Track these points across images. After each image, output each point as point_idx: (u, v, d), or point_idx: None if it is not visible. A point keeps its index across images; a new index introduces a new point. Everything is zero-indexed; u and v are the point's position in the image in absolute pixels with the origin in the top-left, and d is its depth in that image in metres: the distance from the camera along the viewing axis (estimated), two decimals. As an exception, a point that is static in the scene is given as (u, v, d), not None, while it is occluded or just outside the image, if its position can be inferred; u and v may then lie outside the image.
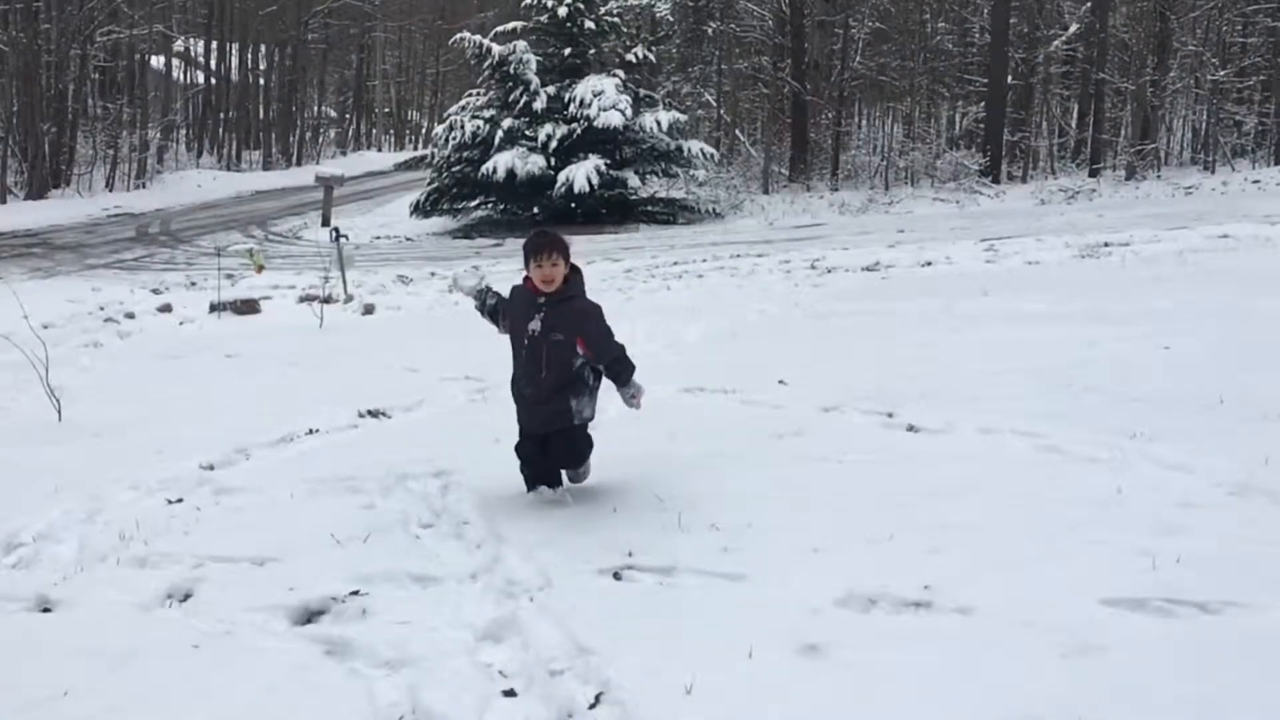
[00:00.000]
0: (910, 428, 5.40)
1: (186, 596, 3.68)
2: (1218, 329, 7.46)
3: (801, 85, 26.96)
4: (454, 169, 24.01)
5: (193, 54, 47.54)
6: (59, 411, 6.53)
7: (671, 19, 31.90)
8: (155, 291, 14.33)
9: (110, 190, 32.81)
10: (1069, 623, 3.14)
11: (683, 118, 24.56)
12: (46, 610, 3.63)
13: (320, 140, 52.70)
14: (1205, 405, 5.38)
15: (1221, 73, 27.80)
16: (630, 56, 24.49)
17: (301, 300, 12.86)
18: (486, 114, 23.80)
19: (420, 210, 24.51)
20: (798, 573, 3.66)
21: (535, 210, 23.03)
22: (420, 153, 35.65)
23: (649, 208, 23.90)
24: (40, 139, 29.64)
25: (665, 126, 22.99)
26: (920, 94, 29.64)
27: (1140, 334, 7.34)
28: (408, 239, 23.01)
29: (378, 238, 23.06)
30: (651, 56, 25.75)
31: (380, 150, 57.06)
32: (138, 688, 2.97)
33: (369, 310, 12.20)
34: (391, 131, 62.70)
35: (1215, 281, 9.50)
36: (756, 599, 3.48)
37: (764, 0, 29.40)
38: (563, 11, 23.58)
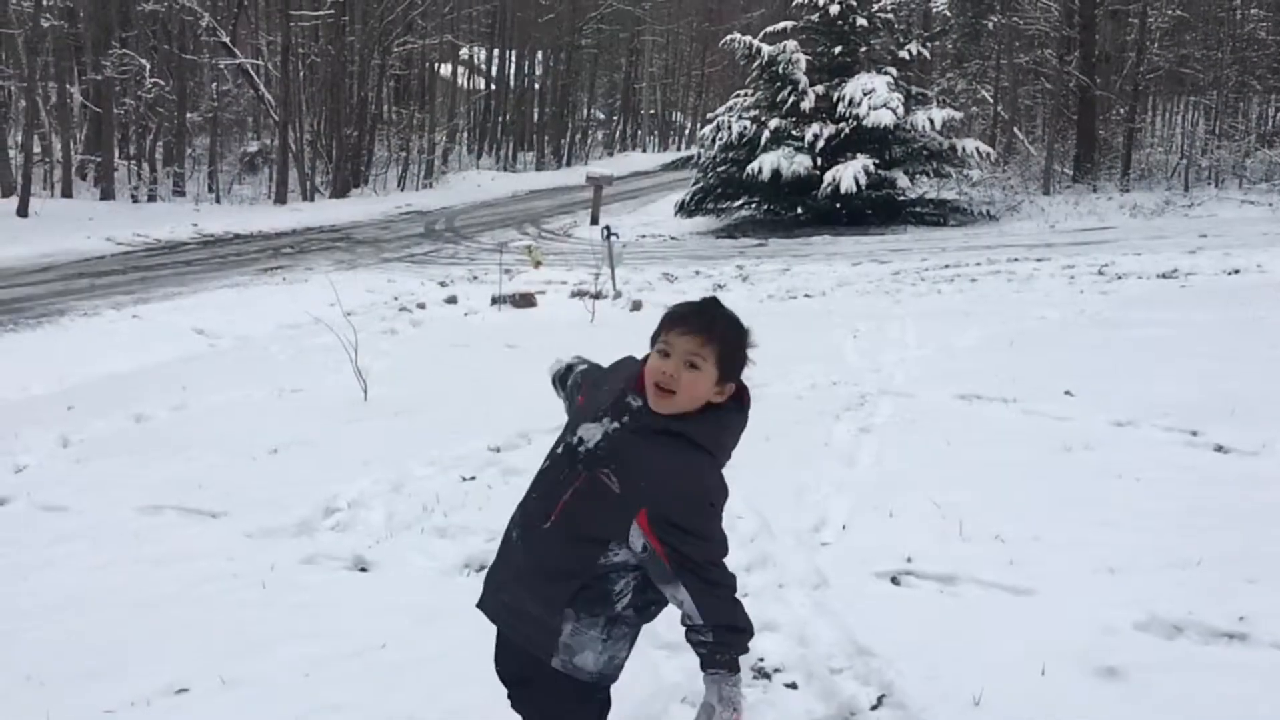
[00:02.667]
0: (1218, 448, 4.99)
1: (482, 567, 3.93)
2: None
3: (1090, 79, 25.34)
4: (719, 169, 24.26)
5: (476, 61, 50.58)
6: (365, 391, 7.12)
7: (949, 14, 30.87)
8: (442, 284, 15.35)
9: (401, 189, 35.44)
10: None
11: (957, 115, 23.67)
12: (363, 570, 3.98)
13: (589, 141, 54.75)
14: None
15: None
16: (903, 53, 23.87)
17: (573, 295, 13.39)
18: (752, 114, 23.91)
19: (685, 210, 24.93)
20: (1092, 592, 3.47)
21: (799, 211, 22.91)
22: (686, 153, 36.34)
23: (917, 209, 23.21)
24: (344, 143, 32.45)
25: (938, 125, 22.25)
26: (1227, 86, 27.14)
27: None
28: (672, 238, 23.48)
29: (643, 236, 23.66)
30: (925, 53, 24.99)
31: (645, 151, 58.56)
32: (445, 644, 3.20)
33: (637, 307, 12.53)
34: (656, 133, 64.22)
35: None
36: (1047, 615, 3.32)
37: (1050, -9, 27.89)
38: (834, 9, 23.30)
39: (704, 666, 2.05)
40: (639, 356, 2.20)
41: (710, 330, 2.02)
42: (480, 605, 2.26)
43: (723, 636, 2.04)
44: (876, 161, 21.73)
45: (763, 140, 22.71)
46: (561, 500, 2.09)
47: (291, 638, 3.33)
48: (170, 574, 3.92)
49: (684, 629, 2.08)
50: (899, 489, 4.58)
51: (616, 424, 2.08)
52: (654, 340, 2.08)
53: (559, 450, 2.16)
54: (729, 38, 25.18)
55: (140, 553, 4.17)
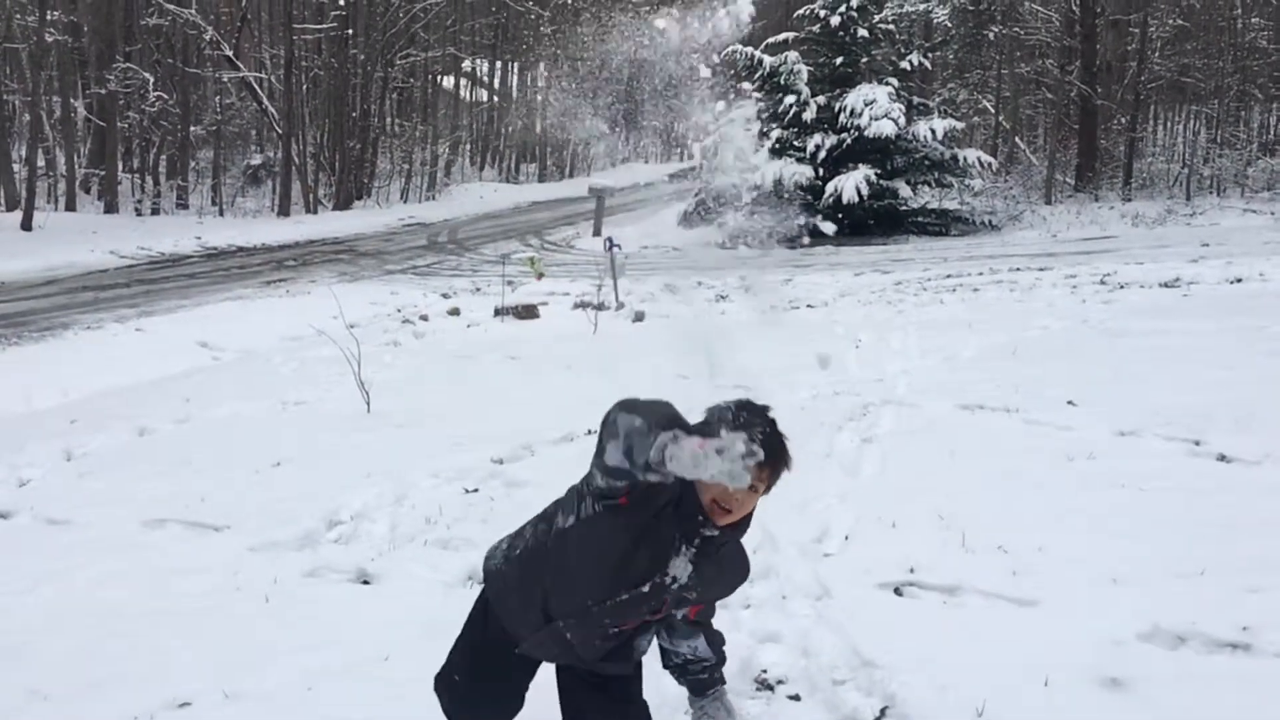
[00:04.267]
0: (1221, 457, 4.98)
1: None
2: None
3: (1091, 89, 25.39)
4: (721, 180, 24.31)
5: (478, 74, 50.73)
6: (368, 403, 7.13)
7: (949, 25, 30.92)
8: (445, 296, 15.37)
9: (404, 201, 35.49)
10: None
11: (958, 125, 23.69)
12: (366, 582, 3.99)
13: (591, 153, 54.86)
14: None
15: None
16: (904, 64, 23.92)
17: (576, 307, 13.40)
18: (754, 125, 23.98)
19: (687, 220, 25.00)
20: (1095, 602, 3.46)
21: (801, 222, 22.93)
22: (689, 164, 36.38)
23: (919, 219, 23.23)
24: (347, 155, 32.52)
25: (940, 135, 22.28)
26: (1228, 95, 27.16)
27: None
28: (674, 249, 23.50)
29: (645, 247, 23.69)
30: (926, 63, 25.05)
31: (647, 162, 58.69)
32: (447, 659, 3.20)
33: (639, 317, 12.54)
34: (658, 143, 64.35)
35: None
36: (1050, 626, 3.32)
37: (1051, 1, 27.90)
38: (835, 21, 23.37)
39: (704, 690, 2.38)
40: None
41: (785, 468, 2.09)
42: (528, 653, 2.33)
43: (721, 657, 2.40)
44: (878, 172, 21.77)
45: (765, 151, 22.75)
46: (640, 619, 2.21)
47: (294, 651, 3.33)
48: (173, 587, 3.93)
49: (680, 666, 2.39)
50: (902, 499, 4.58)
51: (695, 550, 2.15)
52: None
53: (644, 589, 2.14)
54: (730, 49, 25.22)
55: (144, 566, 4.17)
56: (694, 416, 5.57)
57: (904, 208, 23.10)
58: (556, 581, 2.19)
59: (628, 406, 1.99)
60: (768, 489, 2.11)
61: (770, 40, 24.98)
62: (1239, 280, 11.36)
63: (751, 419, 2.04)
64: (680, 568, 2.14)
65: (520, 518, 4.63)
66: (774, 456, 2.04)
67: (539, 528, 2.27)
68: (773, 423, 2.07)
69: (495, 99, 49.00)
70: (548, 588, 2.21)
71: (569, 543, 2.16)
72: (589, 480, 2.12)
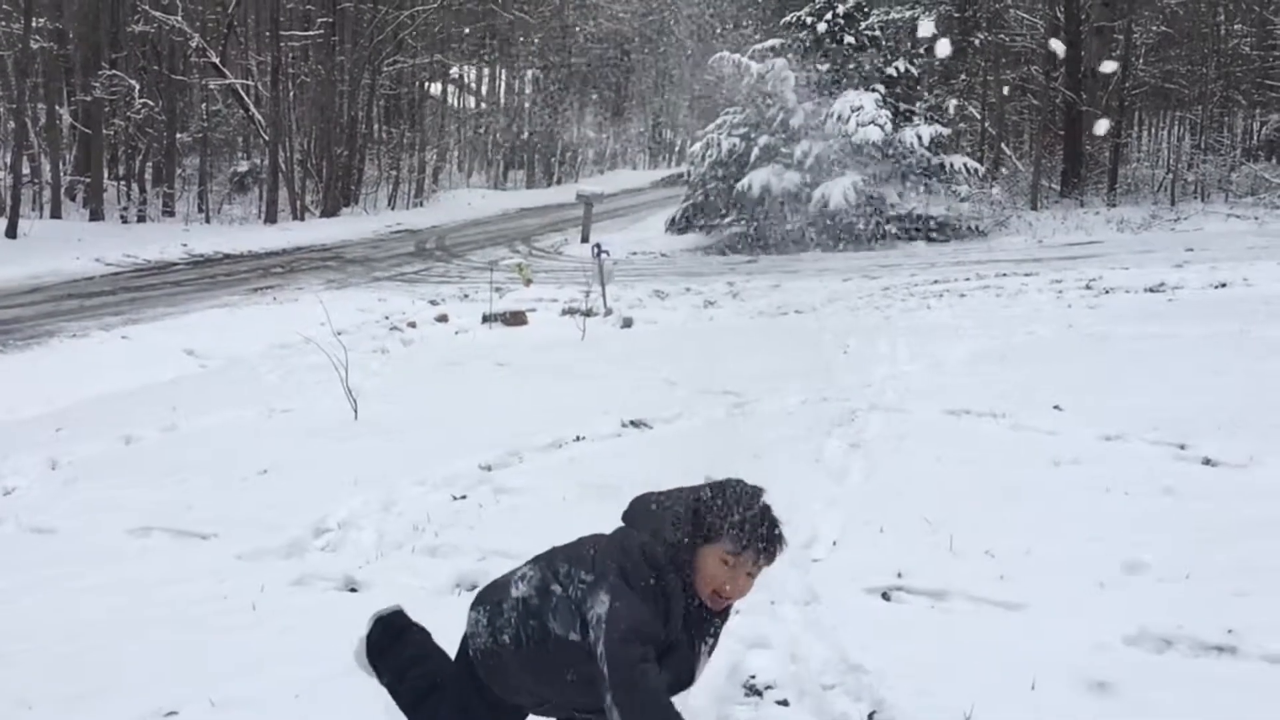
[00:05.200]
0: (1206, 461, 5.01)
1: (473, 586, 3.92)
2: None
3: (1076, 95, 25.53)
4: (709, 186, 24.35)
5: (466, 80, 50.69)
6: (355, 411, 7.11)
7: (936, 32, 31.03)
8: (433, 303, 15.35)
9: (392, 208, 35.41)
10: (1407, 684, 2.82)
11: (945, 131, 23.78)
12: (353, 590, 3.98)
13: (579, 159, 54.86)
14: None
15: None
16: (891, 71, 24.01)
17: (564, 313, 13.41)
18: (742, 131, 24.01)
19: (675, 227, 25.01)
20: (1083, 606, 3.48)
21: (789, 227, 22.97)
22: (677, 170, 36.46)
23: (906, 224, 23.29)
24: (334, 162, 32.47)
25: (926, 141, 22.35)
26: (1212, 101, 27.34)
27: None
28: (662, 255, 23.52)
29: (634, 253, 23.68)
30: (913, 70, 25.15)
31: (635, 168, 58.69)
32: (435, 667, 3.19)
33: (627, 324, 12.55)
34: (646, 150, 64.40)
35: None
36: (1038, 630, 3.33)
37: (1035, 8, 28.05)
38: (822, 28, 23.44)
39: None
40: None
41: (781, 551, 2.20)
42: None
43: None
44: (865, 178, 21.83)
45: (753, 157, 22.82)
46: None
47: (281, 659, 3.32)
48: (160, 596, 3.91)
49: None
50: (889, 505, 4.59)
51: (712, 640, 2.29)
52: (715, 534, 2.14)
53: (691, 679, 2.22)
54: (718, 56, 25.29)
55: (130, 575, 4.15)
56: (685, 418, 5.59)
57: (891, 213, 23.16)
58: (566, 688, 2.17)
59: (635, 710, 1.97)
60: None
61: (757, 47, 25.04)
62: (1223, 285, 11.43)
63: (747, 506, 2.13)
64: (703, 664, 2.24)
65: (509, 524, 4.65)
66: (769, 544, 2.14)
67: (528, 625, 2.19)
68: (766, 508, 2.13)
69: (483, 105, 49.02)
70: (556, 692, 2.20)
71: (578, 659, 2.10)
72: (589, 608, 2.09)
